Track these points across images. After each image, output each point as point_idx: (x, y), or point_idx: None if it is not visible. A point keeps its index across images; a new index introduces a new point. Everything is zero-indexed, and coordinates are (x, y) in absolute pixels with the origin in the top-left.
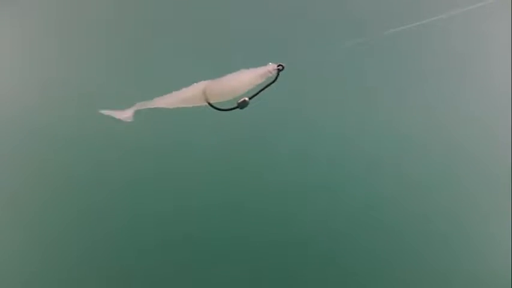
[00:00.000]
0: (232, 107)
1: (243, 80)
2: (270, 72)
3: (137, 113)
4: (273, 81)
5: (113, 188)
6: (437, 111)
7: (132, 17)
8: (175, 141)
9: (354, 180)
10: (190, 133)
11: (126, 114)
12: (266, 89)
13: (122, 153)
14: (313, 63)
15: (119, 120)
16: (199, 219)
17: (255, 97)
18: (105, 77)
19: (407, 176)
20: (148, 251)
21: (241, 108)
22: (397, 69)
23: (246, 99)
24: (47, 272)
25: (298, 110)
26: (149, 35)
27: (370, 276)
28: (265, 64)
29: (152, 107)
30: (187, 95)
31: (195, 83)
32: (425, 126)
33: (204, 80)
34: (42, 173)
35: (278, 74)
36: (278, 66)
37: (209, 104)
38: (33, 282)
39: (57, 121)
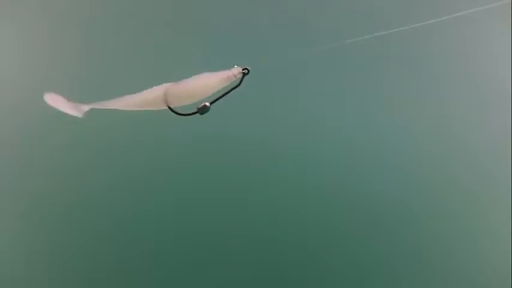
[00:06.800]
0: (191, 112)
1: (206, 83)
2: (235, 76)
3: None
4: (237, 86)
5: (111, 185)
6: (438, 111)
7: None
8: (172, 137)
9: (352, 178)
10: (187, 130)
11: (77, 110)
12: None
13: (115, 150)
14: (316, 60)
15: (66, 114)
16: (197, 218)
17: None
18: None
19: (407, 175)
20: (147, 247)
21: (201, 114)
22: (398, 68)
23: (207, 104)
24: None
25: (297, 108)
26: (106, 35)
27: (370, 274)
28: (230, 67)
29: (109, 107)
30: (147, 98)
31: (155, 86)
32: (426, 125)
33: (165, 82)
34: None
35: (243, 78)
36: (243, 70)
37: (169, 108)
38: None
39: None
